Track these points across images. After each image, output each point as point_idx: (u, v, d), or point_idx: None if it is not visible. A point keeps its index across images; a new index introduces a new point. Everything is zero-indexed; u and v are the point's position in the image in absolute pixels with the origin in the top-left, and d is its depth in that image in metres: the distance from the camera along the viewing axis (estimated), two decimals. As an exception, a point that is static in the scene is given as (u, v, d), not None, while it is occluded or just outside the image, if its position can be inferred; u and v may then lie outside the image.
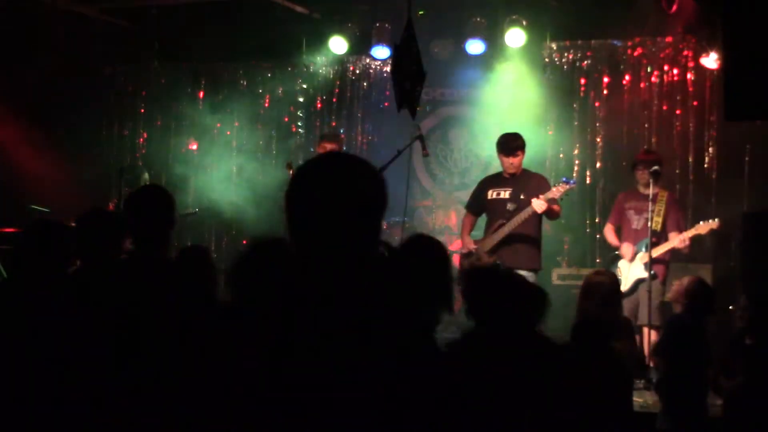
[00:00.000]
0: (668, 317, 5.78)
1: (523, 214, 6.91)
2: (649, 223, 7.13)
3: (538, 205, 6.81)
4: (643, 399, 6.20)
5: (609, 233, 7.67)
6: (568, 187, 6.92)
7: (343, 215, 1.92)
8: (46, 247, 3.63)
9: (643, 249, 7.18)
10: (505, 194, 7.11)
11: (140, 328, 3.05)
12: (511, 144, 7.07)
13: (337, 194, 1.94)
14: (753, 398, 4.68)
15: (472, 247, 7.08)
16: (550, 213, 6.96)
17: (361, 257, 1.93)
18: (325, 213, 1.93)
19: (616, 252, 7.54)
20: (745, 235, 6.04)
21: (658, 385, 5.56)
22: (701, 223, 7.27)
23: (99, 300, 3.25)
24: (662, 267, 7.28)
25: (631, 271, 7.29)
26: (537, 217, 7.00)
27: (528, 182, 7.11)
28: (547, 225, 8.74)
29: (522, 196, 7.00)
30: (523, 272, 6.38)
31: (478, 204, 7.33)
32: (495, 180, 7.32)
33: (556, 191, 6.89)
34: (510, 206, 7.01)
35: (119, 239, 3.74)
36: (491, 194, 7.19)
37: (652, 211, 7.12)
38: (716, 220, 7.19)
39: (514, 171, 7.13)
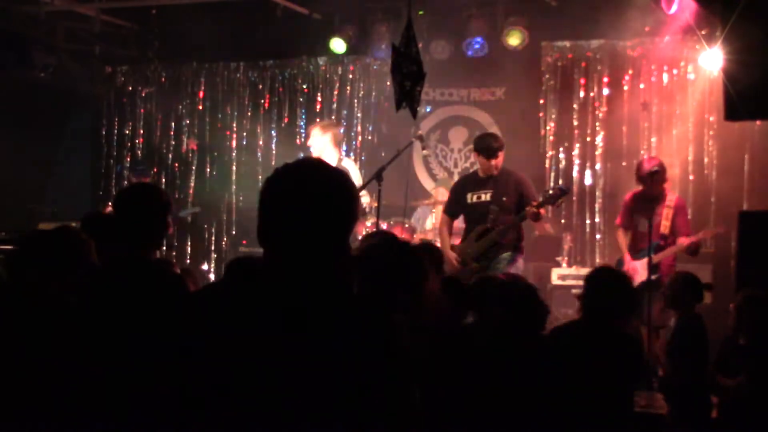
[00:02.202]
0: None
1: (515, 221, 6.84)
2: (657, 226, 7.04)
3: (533, 215, 6.74)
4: (647, 401, 6.17)
5: (621, 238, 7.48)
6: (561, 194, 6.83)
7: (309, 222, 1.91)
8: (47, 251, 3.60)
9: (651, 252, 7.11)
10: (486, 197, 6.90)
11: (118, 331, 3.01)
12: (493, 146, 6.87)
13: (304, 200, 1.93)
14: (749, 398, 4.69)
15: (455, 263, 6.81)
16: (537, 216, 6.92)
17: (327, 264, 1.93)
18: (292, 220, 1.92)
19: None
20: (740, 235, 6.04)
21: (662, 386, 5.56)
22: (706, 227, 7.23)
23: (84, 302, 3.21)
24: (668, 269, 7.20)
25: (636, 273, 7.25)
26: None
27: (507, 182, 6.90)
28: (546, 225, 8.76)
29: (504, 198, 6.81)
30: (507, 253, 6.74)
31: (457, 207, 7.12)
32: (472, 181, 7.11)
33: (549, 197, 6.82)
34: (494, 208, 6.84)
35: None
36: (471, 197, 6.98)
37: (656, 213, 7.04)
38: (721, 225, 7.15)
39: (494, 172, 6.96)
